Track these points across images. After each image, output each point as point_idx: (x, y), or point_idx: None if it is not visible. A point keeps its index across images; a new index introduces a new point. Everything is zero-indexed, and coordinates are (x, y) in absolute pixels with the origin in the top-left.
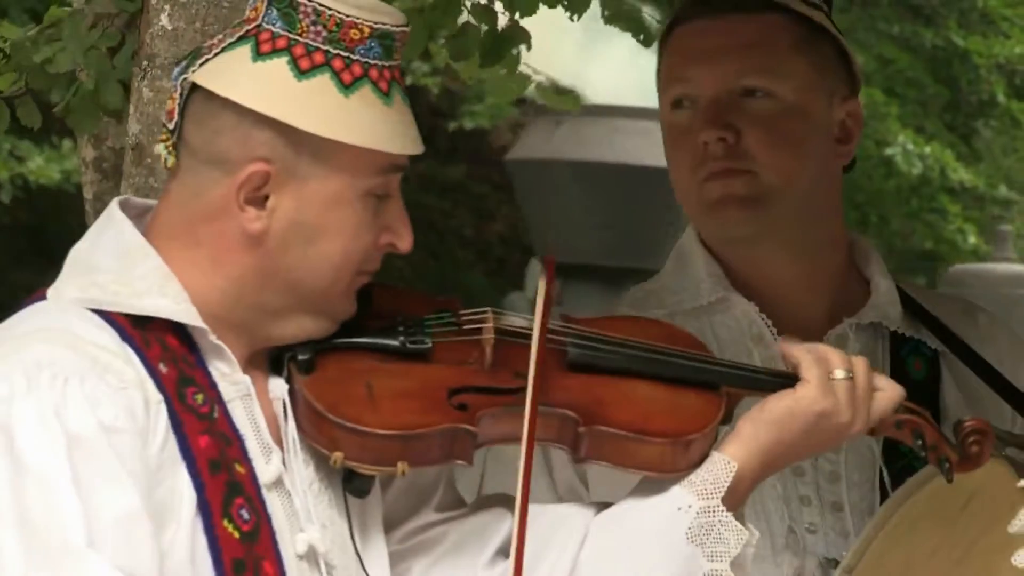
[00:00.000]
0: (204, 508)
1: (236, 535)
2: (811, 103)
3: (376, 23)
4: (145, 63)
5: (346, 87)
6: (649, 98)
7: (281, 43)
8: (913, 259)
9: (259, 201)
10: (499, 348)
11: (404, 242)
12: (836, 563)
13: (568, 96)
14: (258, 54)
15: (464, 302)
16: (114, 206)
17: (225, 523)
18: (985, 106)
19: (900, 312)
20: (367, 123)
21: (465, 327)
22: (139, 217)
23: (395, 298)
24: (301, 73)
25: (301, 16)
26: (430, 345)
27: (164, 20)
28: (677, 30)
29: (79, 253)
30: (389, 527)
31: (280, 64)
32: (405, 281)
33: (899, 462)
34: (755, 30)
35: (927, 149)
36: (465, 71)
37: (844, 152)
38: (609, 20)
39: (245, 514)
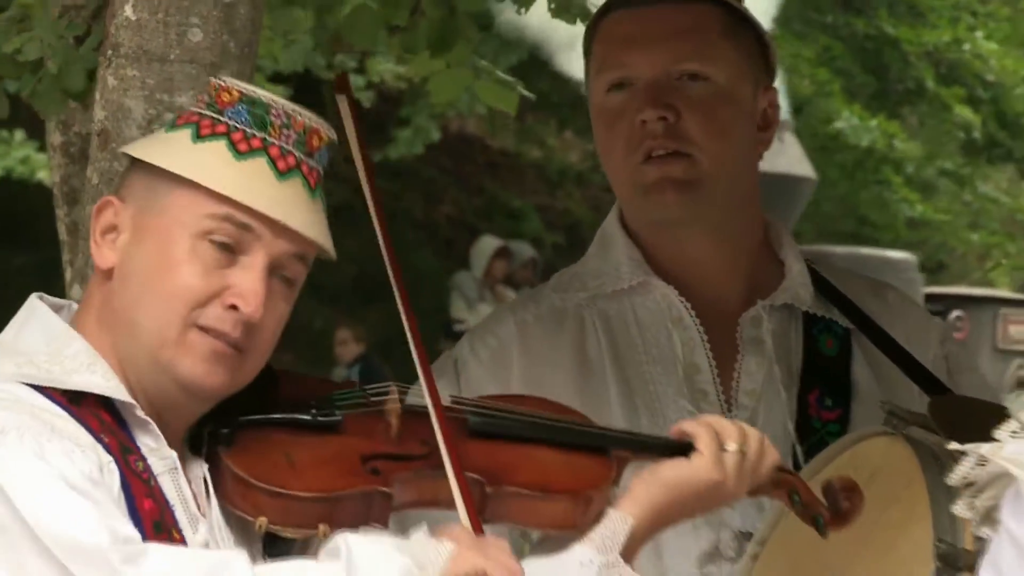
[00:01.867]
0: None
1: None
2: (740, 90)
3: (243, 91)
4: (110, 52)
5: (200, 136)
6: None
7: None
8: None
9: (111, 231)
10: (405, 419)
11: (244, 304)
12: (750, 536)
13: (509, 94)
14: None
15: (412, 282)
16: (33, 299)
17: None
18: (911, 93)
19: (812, 293)
20: (204, 167)
21: (371, 401)
22: (56, 311)
23: (302, 383)
24: (172, 127)
25: (207, 90)
26: (340, 418)
27: (128, 11)
28: (610, 17)
29: (6, 342)
30: None
31: (163, 129)
32: (354, 262)
33: (811, 439)
34: (688, 17)
35: (873, 122)
36: (414, 67)
37: (764, 139)
38: (556, 13)
39: None
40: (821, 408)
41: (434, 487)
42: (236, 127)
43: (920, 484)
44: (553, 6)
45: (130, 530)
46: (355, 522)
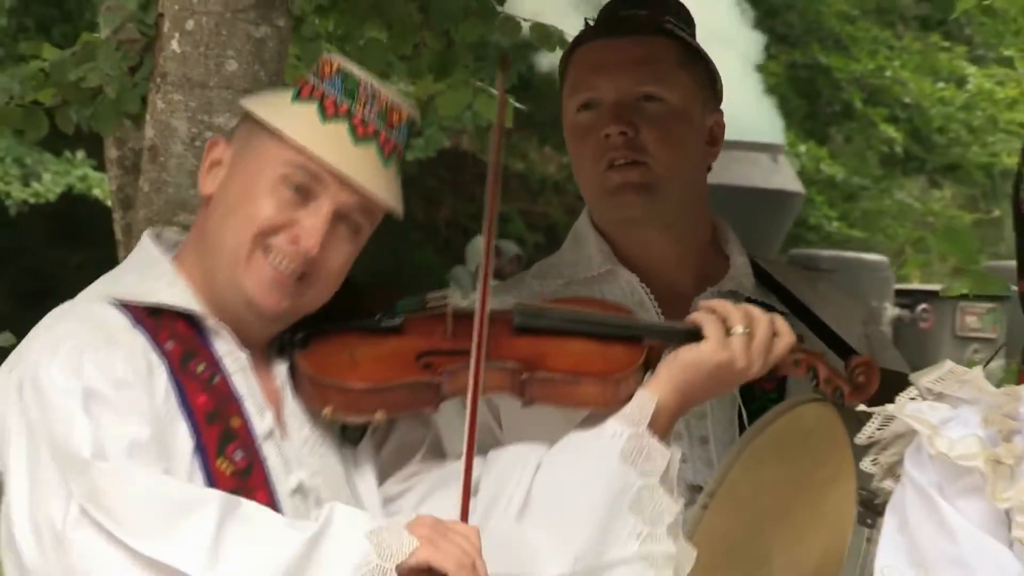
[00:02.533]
0: (201, 450)
1: (229, 472)
2: (692, 110)
3: (344, 69)
4: (159, 80)
5: (299, 97)
6: (736, 133)
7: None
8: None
9: (216, 165)
10: (459, 320)
11: (305, 239)
12: (700, 489)
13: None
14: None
15: (414, 276)
16: (145, 236)
17: (219, 462)
18: (839, 114)
19: (753, 281)
20: (291, 119)
21: (429, 307)
22: (171, 248)
23: (378, 294)
24: (297, 97)
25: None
26: (400, 322)
27: (174, 45)
28: (581, 48)
29: (113, 270)
30: (384, 478)
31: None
32: (365, 257)
33: (755, 403)
34: (649, 48)
35: (803, 147)
36: (419, 89)
37: (712, 153)
38: (538, 42)
39: (239, 455)
40: (761, 381)
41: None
42: (328, 94)
43: (845, 443)
44: (535, 36)
45: (127, 439)
46: (407, 408)
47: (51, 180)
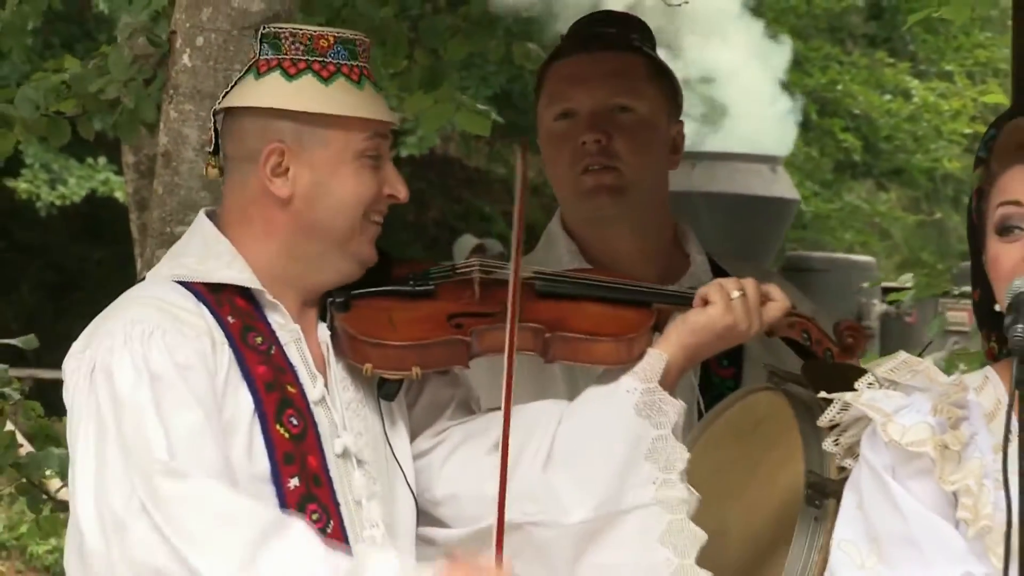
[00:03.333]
0: (261, 416)
1: (287, 436)
2: (658, 120)
3: (338, 34)
4: (171, 91)
5: (325, 80)
6: (757, 147)
7: (273, 63)
8: None
9: (282, 172)
10: (485, 285)
11: (401, 192)
12: None
13: (483, 121)
14: (258, 74)
15: None
16: (201, 214)
17: (278, 427)
18: (798, 124)
19: (711, 278)
20: (345, 101)
21: (459, 273)
22: (216, 218)
23: (410, 264)
24: (290, 77)
25: (283, 41)
26: (433, 287)
27: (186, 59)
28: (557, 62)
29: (175, 248)
30: (415, 434)
31: (275, 76)
32: None
33: (711, 392)
34: (621, 63)
35: None
36: (409, 104)
37: (674, 160)
38: (518, 60)
39: (295, 421)
40: (719, 368)
41: (502, 336)
42: (343, 62)
43: (795, 428)
44: (519, 54)
45: (187, 428)
46: (440, 364)
47: (75, 184)
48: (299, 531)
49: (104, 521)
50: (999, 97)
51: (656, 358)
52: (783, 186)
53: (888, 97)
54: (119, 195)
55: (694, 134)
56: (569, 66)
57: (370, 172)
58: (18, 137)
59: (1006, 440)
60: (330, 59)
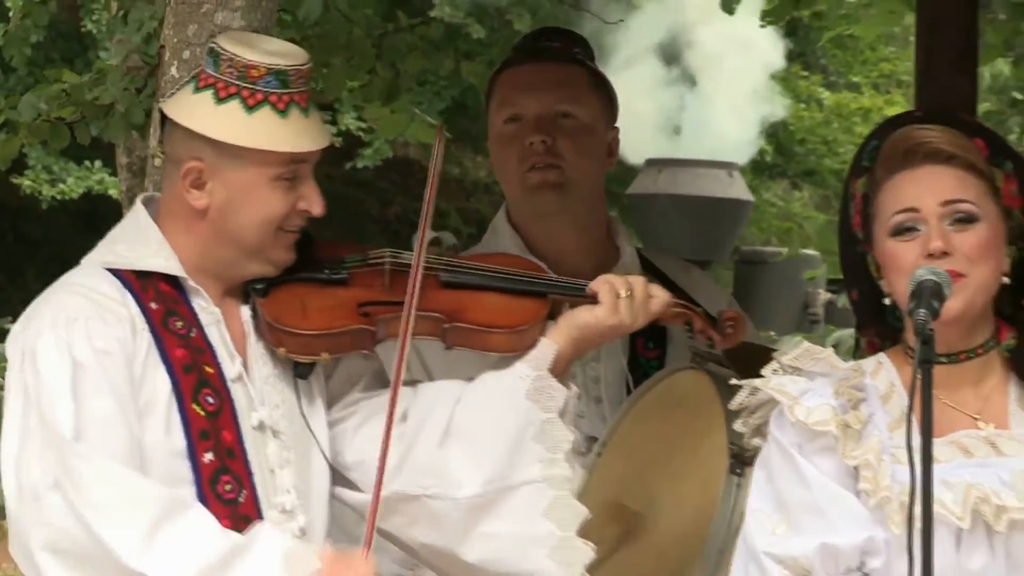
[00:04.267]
0: (178, 396)
1: (202, 413)
2: (598, 126)
3: (271, 64)
4: (161, 99)
5: (250, 109)
6: (722, 155)
7: (210, 81)
8: None
9: (200, 186)
10: (395, 275)
11: (315, 208)
12: (595, 439)
13: (431, 131)
14: (196, 88)
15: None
16: (138, 202)
17: (194, 406)
18: None
19: (640, 269)
20: (265, 132)
21: (371, 262)
22: (155, 205)
23: (330, 247)
24: (220, 100)
25: (222, 62)
26: (346, 275)
27: (174, 71)
28: (507, 71)
29: (112, 233)
30: (331, 404)
31: (207, 95)
32: None
33: (639, 370)
34: (565, 73)
35: None
36: (368, 113)
37: (610, 162)
38: (466, 73)
39: (211, 399)
40: (645, 349)
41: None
42: (270, 91)
43: (717, 403)
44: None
45: (101, 414)
46: (348, 350)
47: (74, 183)
48: (197, 511)
49: (23, 490)
50: (902, 107)
51: (547, 348)
52: (738, 189)
53: (803, 106)
54: (113, 192)
55: (661, 143)
56: (518, 75)
57: (284, 192)
58: (23, 140)
59: (909, 416)
60: (259, 87)
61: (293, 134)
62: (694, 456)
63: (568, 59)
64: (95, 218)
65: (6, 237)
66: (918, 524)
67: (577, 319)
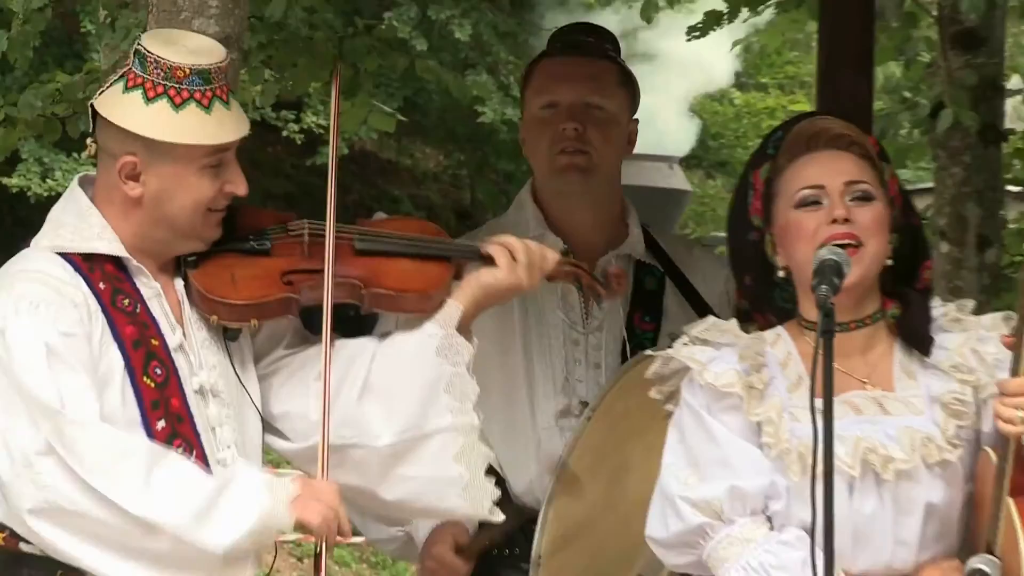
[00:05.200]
0: (130, 371)
1: (152, 385)
2: (623, 117)
3: (194, 65)
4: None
5: (177, 107)
6: (653, 147)
7: (139, 81)
8: None
9: (135, 177)
10: (312, 243)
11: (240, 189)
12: (587, 404)
13: (389, 120)
14: (126, 87)
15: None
16: (74, 182)
17: (145, 379)
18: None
19: (644, 247)
20: (192, 127)
21: (291, 232)
22: (91, 186)
23: (254, 216)
24: (148, 100)
25: (149, 64)
26: (269, 246)
27: None
28: (546, 60)
29: (52, 215)
30: (258, 360)
31: (136, 95)
32: None
33: (634, 341)
34: (598, 68)
35: None
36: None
37: (628, 150)
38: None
39: (159, 371)
40: (642, 322)
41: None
42: (195, 88)
43: None
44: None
45: (79, 388)
46: (274, 316)
47: (62, 176)
48: (175, 456)
49: (13, 458)
50: (804, 105)
51: (454, 308)
52: (678, 180)
53: (717, 104)
54: None
55: None
56: (555, 65)
57: (211, 178)
58: (20, 134)
59: (813, 378)
60: (184, 86)
61: (217, 127)
62: (664, 433)
63: (601, 55)
64: None
65: (4, 221)
66: (820, 478)
67: (480, 280)
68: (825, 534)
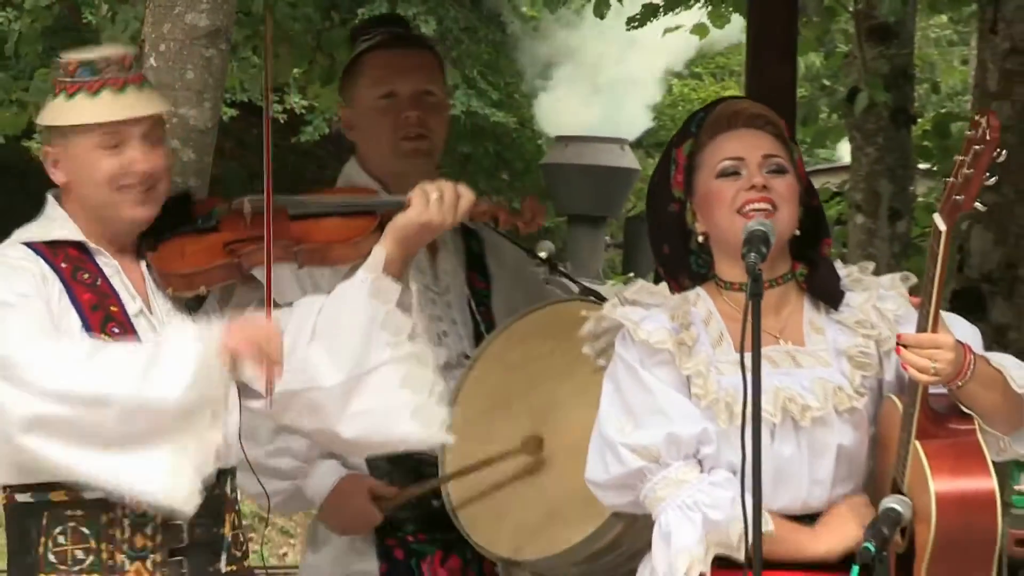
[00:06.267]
0: (87, 329)
1: (107, 340)
2: (446, 99)
3: (81, 59)
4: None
5: (69, 96)
6: (609, 131)
7: (59, 87)
8: None
9: (56, 165)
10: (253, 215)
11: (137, 165)
12: (468, 356)
13: None
14: (53, 94)
15: None
16: (49, 196)
17: (102, 335)
18: None
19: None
20: (79, 111)
21: (233, 208)
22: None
23: (205, 203)
24: (53, 96)
25: (60, 68)
26: (215, 223)
27: (152, 61)
28: (376, 53)
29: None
30: None
31: (57, 98)
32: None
33: (477, 296)
34: (424, 58)
35: None
36: (309, 92)
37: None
38: None
39: (116, 330)
40: (478, 281)
41: (261, 255)
42: (83, 80)
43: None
44: None
45: (28, 330)
46: (221, 281)
47: None
48: (115, 343)
49: None
50: (735, 92)
51: (378, 253)
52: (628, 160)
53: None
54: None
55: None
56: (389, 57)
57: (109, 157)
58: (30, 115)
59: (743, 334)
60: (75, 79)
61: (104, 109)
62: (597, 372)
63: (423, 45)
64: None
65: (18, 195)
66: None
67: (396, 222)
68: (753, 475)
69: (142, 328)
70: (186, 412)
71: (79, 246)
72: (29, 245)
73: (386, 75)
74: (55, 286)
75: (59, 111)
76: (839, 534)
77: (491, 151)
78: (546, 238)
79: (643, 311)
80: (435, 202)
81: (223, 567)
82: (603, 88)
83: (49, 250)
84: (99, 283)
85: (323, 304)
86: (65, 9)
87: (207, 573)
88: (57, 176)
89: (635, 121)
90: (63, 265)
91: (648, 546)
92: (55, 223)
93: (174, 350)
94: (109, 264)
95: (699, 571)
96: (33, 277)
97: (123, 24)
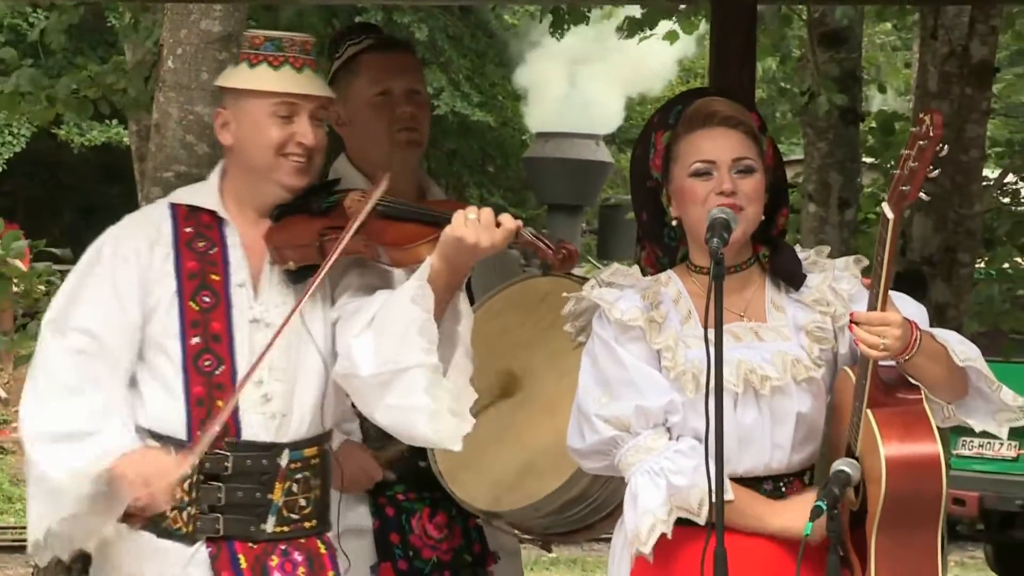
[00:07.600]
0: (180, 295)
1: (196, 308)
2: (429, 101)
3: (268, 35)
4: (161, 84)
5: (252, 65)
6: (584, 127)
7: (241, 55)
8: None
9: (226, 126)
10: (354, 208)
11: (306, 138)
12: None
13: None
14: (236, 63)
15: None
16: (219, 166)
17: (191, 303)
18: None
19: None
20: (259, 79)
21: (345, 202)
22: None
23: (331, 184)
24: (236, 64)
25: (245, 41)
26: (326, 207)
27: (170, 63)
28: (370, 55)
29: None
30: (333, 303)
31: (240, 65)
32: None
33: None
34: (413, 61)
35: None
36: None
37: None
38: None
39: (207, 299)
40: None
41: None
42: (267, 54)
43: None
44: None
45: (82, 319)
46: (304, 260)
47: (96, 134)
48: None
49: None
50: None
51: (425, 265)
52: (603, 154)
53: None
54: (127, 142)
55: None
56: (381, 59)
57: (280, 126)
58: (58, 111)
59: (706, 314)
60: (260, 51)
61: (285, 81)
62: (556, 339)
63: (410, 49)
64: (112, 169)
65: (48, 183)
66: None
67: (441, 237)
68: (716, 439)
69: (239, 298)
70: (64, 491)
71: (212, 214)
72: (173, 205)
73: (382, 75)
74: (162, 251)
75: (241, 76)
76: (800, 514)
77: (475, 147)
78: (526, 225)
79: (617, 292)
80: (471, 221)
81: (269, 528)
82: (579, 86)
83: (185, 212)
84: (212, 252)
85: (386, 298)
86: (89, 14)
87: (248, 532)
88: (224, 137)
89: (613, 116)
90: (187, 230)
91: (613, 499)
92: (205, 188)
93: (84, 452)
94: (233, 236)
95: (661, 531)
96: (143, 240)
97: (146, 32)
